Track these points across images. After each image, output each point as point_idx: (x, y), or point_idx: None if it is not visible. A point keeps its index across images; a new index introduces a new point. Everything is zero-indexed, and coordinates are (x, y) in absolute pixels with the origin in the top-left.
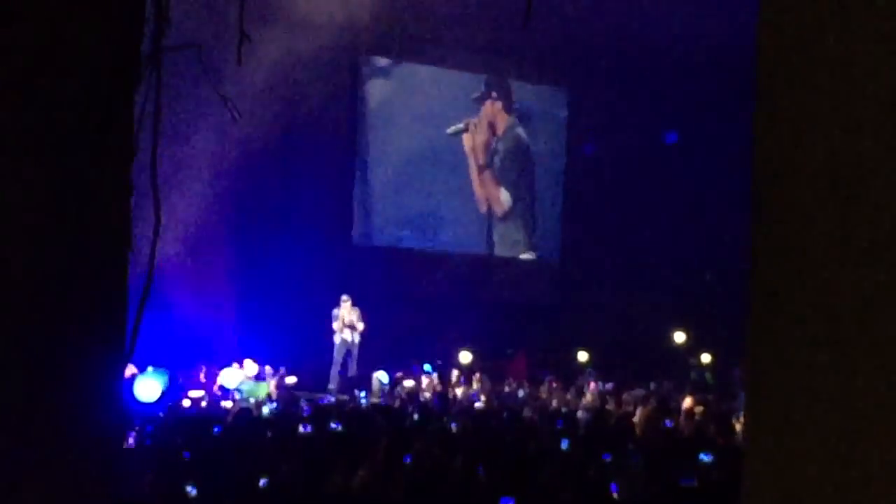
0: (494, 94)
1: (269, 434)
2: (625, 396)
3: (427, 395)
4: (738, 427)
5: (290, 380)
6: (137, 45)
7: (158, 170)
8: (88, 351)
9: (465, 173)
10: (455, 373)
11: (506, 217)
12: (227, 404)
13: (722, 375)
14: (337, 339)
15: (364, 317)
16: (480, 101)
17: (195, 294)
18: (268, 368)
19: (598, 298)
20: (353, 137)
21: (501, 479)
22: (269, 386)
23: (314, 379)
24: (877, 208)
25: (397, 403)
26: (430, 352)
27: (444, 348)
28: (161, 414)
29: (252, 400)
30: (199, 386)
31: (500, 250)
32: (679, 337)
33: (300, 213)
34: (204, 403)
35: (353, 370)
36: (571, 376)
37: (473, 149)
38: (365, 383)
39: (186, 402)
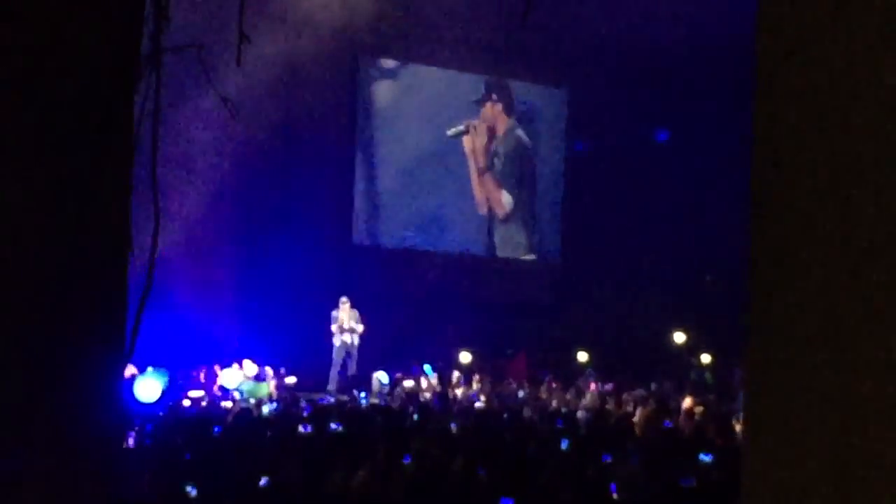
0: (495, 97)
1: (269, 434)
2: (625, 397)
3: (427, 395)
4: (737, 427)
5: (290, 380)
6: (137, 45)
7: (158, 170)
8: (88, 351)
9: (468, 175)
10: (455, 373)
11: (507, 219)
12: (227, 404)
13: (722, 376)
14: (336, 341)
15: (363, 318)
16: (481, 103)
17: (195, 294)
18: (268, 369)
19: (599, 299)
20: (352, 138)
21: (501, 479)
22: (270, 386)
23: (314, 379)
24: (876, 209)
25: (397, 404)
26: (430, 352)
27: (444, 349)
28: (161, 414)
29: (252, 400)
30: (199, 386)
31: (501, 252)
32: (679, 337)
33: (300, 213)
34: (204, 403)
35: (352, 371)
36: (571, 376)
37: (473, 151)
38: (365, 384)
39: (186, 403)
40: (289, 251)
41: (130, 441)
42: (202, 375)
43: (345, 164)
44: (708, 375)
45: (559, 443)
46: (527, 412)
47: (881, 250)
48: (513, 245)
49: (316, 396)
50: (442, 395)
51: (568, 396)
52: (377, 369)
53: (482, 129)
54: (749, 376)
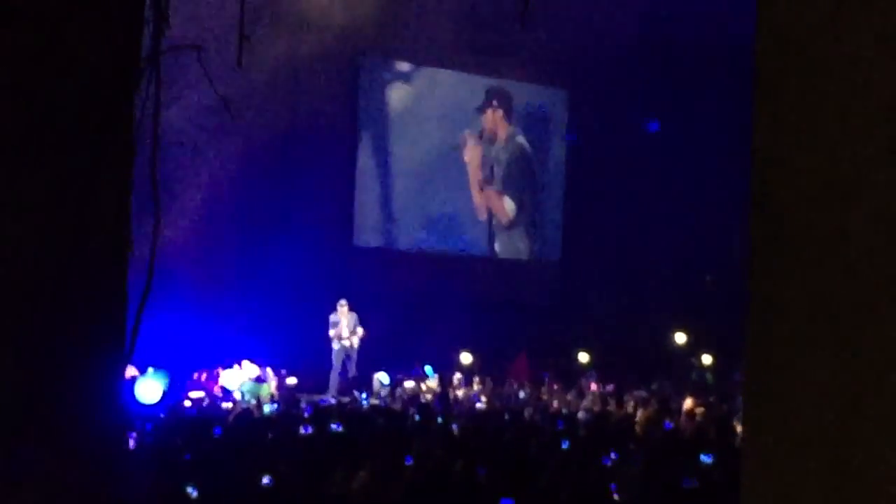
0: (495, 103)
1: (270, 435)
2: (626, 397)
3: (428, 396)
4: (738, 428)
5: (291, 381)
6: (137, 45)
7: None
8: (88, 352)
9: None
10: (456, 374)
11: (511, 226)
12: (228, 405)
13: (722, 376)
14: (335, 345)
15: (363, 319)
16: (482, 110)
17: (196, 295)
18: (269, 370)
19: (599, 300)
20: (354, 139)
21: (502, 480)
22: (270, 387)
23: (315, 381)
24: (875, 209)
25: (398, 405)
26: (431, 353)
27: (444, 350)
28: (162, 415)
29: (253, 401)
30: (199, 387)
31: (503, 256)
32: (680, 338)
33: (301, 214)
34: (205, 404)
35: (352, 373)
36: (572, 377)
37: (471, 163)
38: (365, 385)
39: (187, 404)
40: (289, 252)
41: (131, 442)
42: (203, 376)
43: (346, 165)
44: (709, 376)
45: (560, 443)
46: (528, 413)
47: (881, 250)
48: (514, 251)
49: (316, 398)
50: (443, 396)
51: (569, 397)
52: (378, 370)
53: (478, 142)
54: (748, 377)
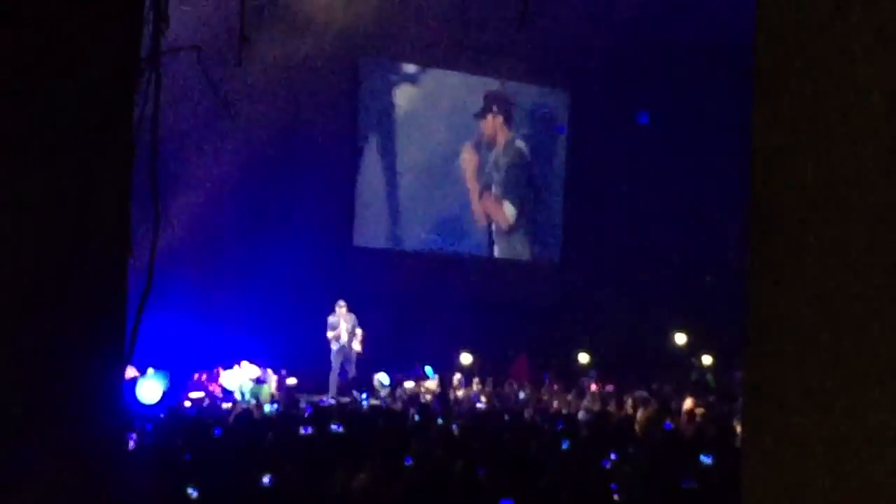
0: (495, 108)
1: (270, 435)
2: (626, 398)
3: (428, 397)
4: (738, 429)
5: (291, 381)
6: (137, 46)
7: (159, 171)
8: (88, 351)
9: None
10: (456, 375)
11: (510, 231)
12: (228, 406)
13: (723, 377)
14: (334, 345)
15: (363, 320)
16: (481, 115)
17: (196, 296)
18: (269, 371)
19: (600, 300)
20: (354, 140)
21: (502, 480)
22: (270, 388)
23: (314, 381)
24: (875, 209)
25: (398, 405)
26: (431, 353)
27: (444, 350)
28: (162, 415)
29: (253, 401)
30: (199, 388)
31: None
32: (680, 338)
33: (301, 215)
34: (205, 405)
35: (352, 374)
36: (573, 378)
37: (467, 170)
38: (365, 386)
39: (187, 404)
40: (289, 253)
41: (131, 442)
42: (203, 377)
43: (346, 166)
44: (709, 377)
45: (560, 444)
46: (528, 413)
47: (881, 251)
48: (515, 254)
49: (316, 398)
50: (443, 397)
51: (569, 398)
52: (378, 371)
53: (474, 151)
54: (748, 377)
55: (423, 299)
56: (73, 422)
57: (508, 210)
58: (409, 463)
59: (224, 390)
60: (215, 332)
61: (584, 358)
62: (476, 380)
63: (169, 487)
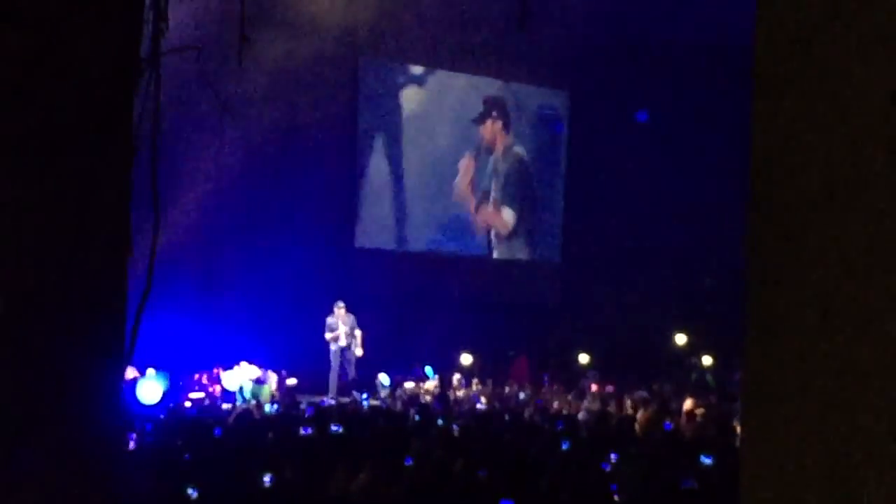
0: (494, 114)
1: (271, 436)
2: (626, 398)
3: (428, 397)
4: (739, 429)
5: (291, 382)
6: (137, 46)
7: (159, 171)
8: (88, 352)
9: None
10: (456, 375)
11: (510, 236)
12: (228, 406)
13: (723, 377)
14: (333, 346)
15: (363, 320)
16: (480, 121)
17: (197, 296)
18: (270, 372)
19: (600, 300)
20: (354, 140)
21: (502, 480)
22: (270, 388)
23: (315, 382)
24: (875, 209)
25: (398, 405)
26: (431, 354)
27: (445, 350)
28: (162, 416)
29: (253, 402)
30: (200, 388)
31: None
32: (680, 339)
33: (301, 215)
34: (205, 405)
35: (352, 375)
36: (573, 378)
37: (464, 178)
38: (365, 387)
39: (187, 404)
40: (290, 253)
41: (131, 443)
42: (203, 377)
43: (347, 166)
44: (709, 377)
45: (560, 444)
46: (528, 413)
47: (881, 251)
48: (515, 257)
49: (317, 399)
50: (442, 397)
51: (569, 398)
52: (378, 371)
53: (471, 161)
54: (747, 378)
55: (423, 300)
56: (73, 422)
57: (507, 216)
58: (409, 463)
59: (224, 391)
60: (215, 332)
61: (584, 358)
62: (476, 380)
63: (169, 487)
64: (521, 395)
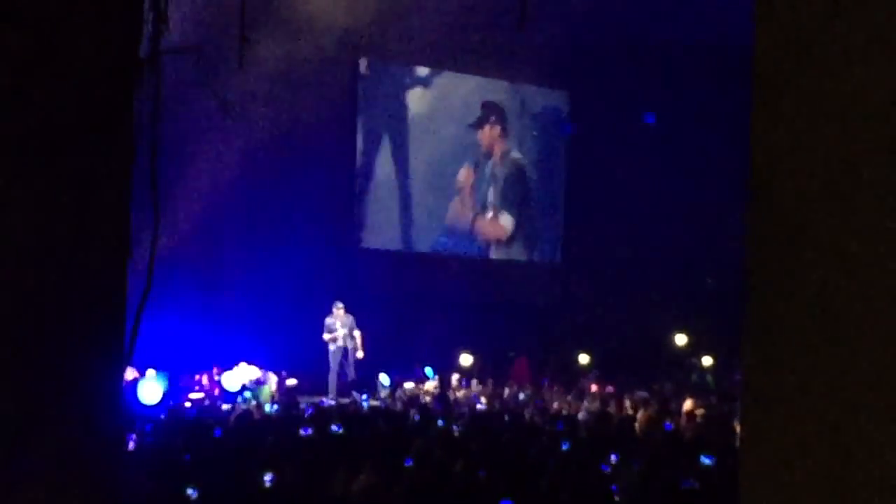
0: (493, 119)
1: (271, 437)
2: (626, 399)
3: (428, 398)
4: (738, 429)
5: (291, 382)
6: (137, 46)
7: (159, 172)
8: (88, 352)
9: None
10: (456, 376)
11: (509, 242)
12: (228, 407)
13: (723, 377)
14: (332, 346)
15: (363, 321)
16: (478, 126)
17: (197, 297)
18: (270, 373)
19: (600, 300)
20: (354, 141)
21: (502, 481)
22: (270, 388)
23: (315, 382)
24: (874, 209)
25: (398, 406)
26: (431, 354)
27: (445, 351)
28: (162, 416)
29: (253, 402)
30: (200, 389)
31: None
32: (680, 339)
33: (302, 216)
34: (205, 405)
35: (351, 375)
36: (573, 379)
37: (464, 193)
38: (365, 387)
39: (187, 405)
40: (290, 254)
41: (131, 443)
42: (203, 378)
43: (347, 167)
44: (709, 377)
45: (560, 445)
46: (528, 414)
47: (880, 251)
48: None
49: (317, 399)
50: (442, 398)
51: (569, 398)
52: (378, 372)
53: (471, 173)
54: (747, 378)
55: (423, 300)
56: (73, 422)
57: (506, 223)
58: (409, 464)
59: (224, 391)
60: (215, 332)
61: (584, 358)
62: (476, 381)
63: (169, 488)
64: (521, 396)
